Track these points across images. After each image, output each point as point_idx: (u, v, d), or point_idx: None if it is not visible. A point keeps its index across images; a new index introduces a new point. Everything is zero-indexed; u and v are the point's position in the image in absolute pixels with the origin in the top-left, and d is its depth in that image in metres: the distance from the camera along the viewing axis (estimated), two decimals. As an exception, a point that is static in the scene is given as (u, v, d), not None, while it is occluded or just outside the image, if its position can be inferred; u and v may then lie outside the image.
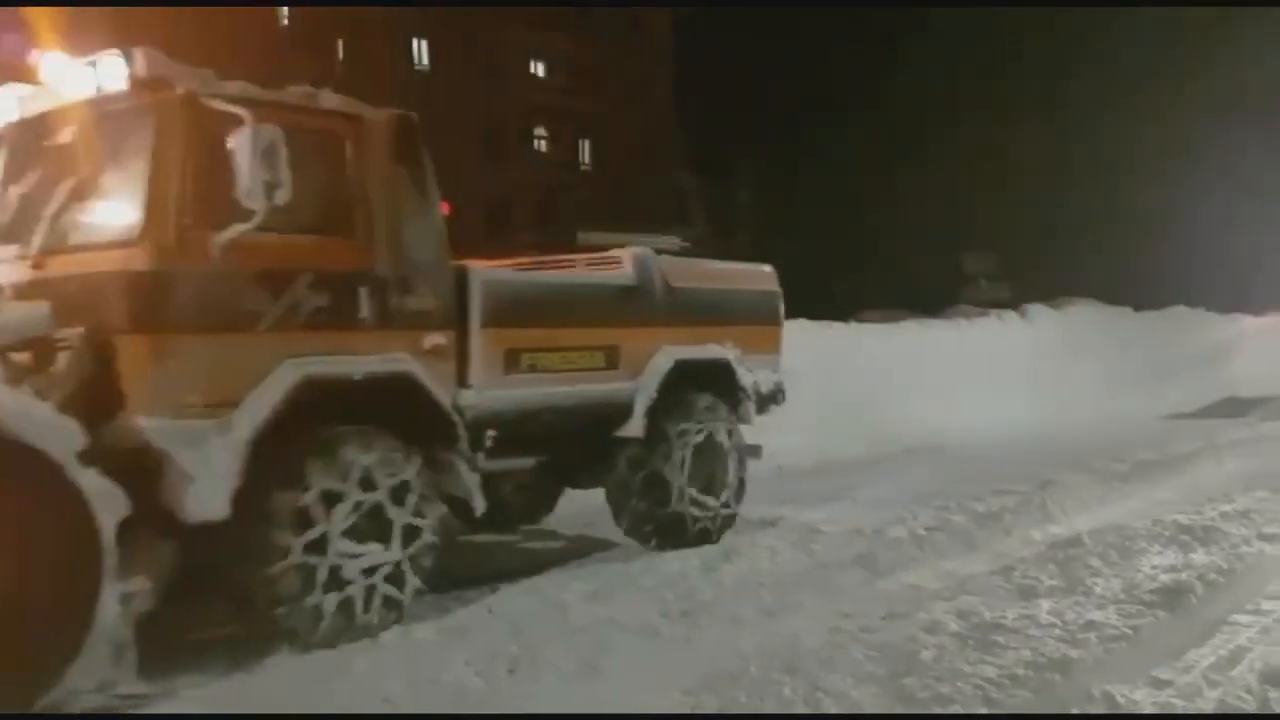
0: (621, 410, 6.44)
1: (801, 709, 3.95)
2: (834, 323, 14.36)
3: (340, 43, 35.75)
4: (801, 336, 13.54)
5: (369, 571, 4.95)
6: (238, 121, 4.55)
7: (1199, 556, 6.12)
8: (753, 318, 7.53)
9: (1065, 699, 4.02)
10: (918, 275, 31.96)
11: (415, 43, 37.69)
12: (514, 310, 5.89)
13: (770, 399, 7.59)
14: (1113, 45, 34.88)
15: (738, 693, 4.08)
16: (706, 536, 6.77)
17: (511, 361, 5.85)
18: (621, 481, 6.60)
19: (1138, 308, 20.13)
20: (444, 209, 5.65)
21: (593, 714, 4.05)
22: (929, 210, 37.48)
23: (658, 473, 6.56)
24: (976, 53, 37.28)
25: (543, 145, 43.09)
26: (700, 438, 6.81)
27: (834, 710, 3.95)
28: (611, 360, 6.42)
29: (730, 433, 7.08)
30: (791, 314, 14.07)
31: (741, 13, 44.25)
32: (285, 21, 34.27)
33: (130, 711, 4.12)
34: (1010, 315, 17.66)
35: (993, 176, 36.35)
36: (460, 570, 6.45)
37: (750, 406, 7.29)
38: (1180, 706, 3.85)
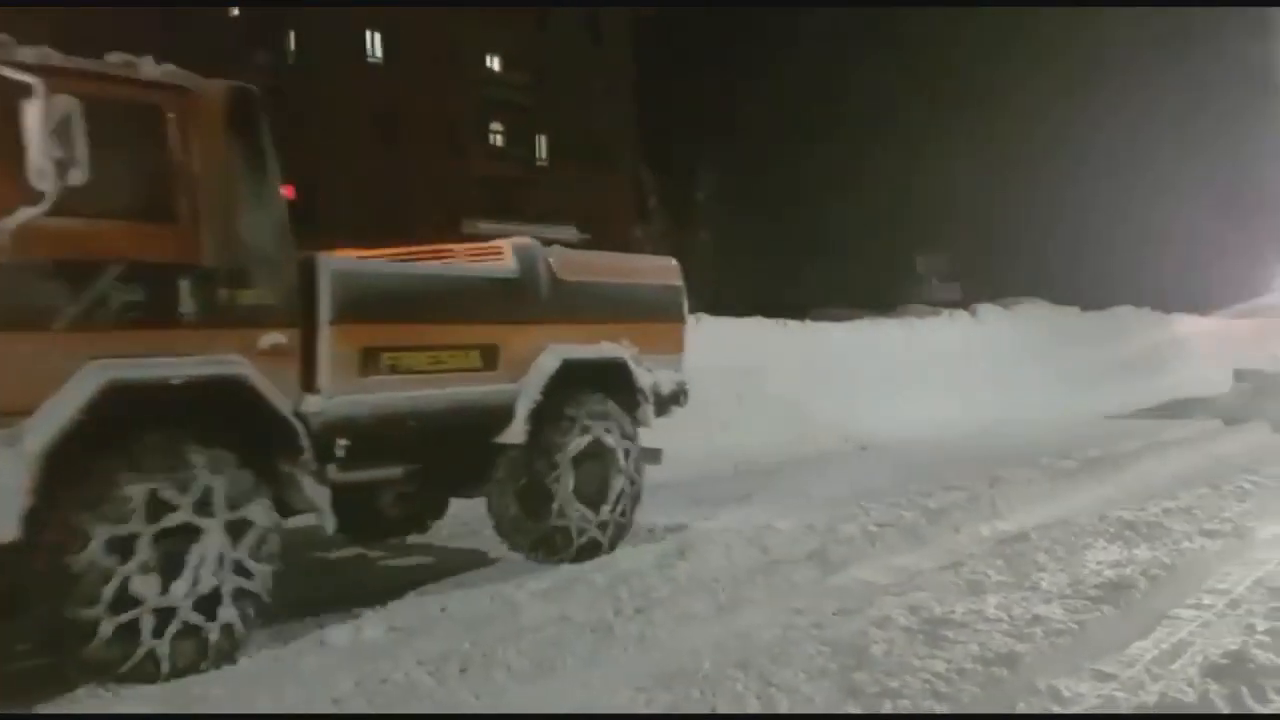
0: (502, 414, 5.93)
1: (754, 704, 3.97)
2: (790, 321, 14.46)
3: (292, 35, 35.30)
4: (759, 334, 13.71)
5: (204, 594, 4.50)
6: (30, 91, 4.06)
7: (1143, 552, 6.24)
8: (653, 314, 7.02)
9: (1012, 693, 4.07)
10: (873, 275, 32.32)
11: (369, 35, 37.32)
12: (372, 304, 5.29)
13: (672, 400, 7.10)
14: (1062, 50, 35.45)
15: (691, 689, 4.08)
16: (594, 549, 6.34)
17: (368, 362, 5.26)
18: (502, 490, 6.15)
19: (1085, 308, 20.50)
20: (287, 193, 5.19)
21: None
22: (884, 212, 37.89)
23: (540, 481, 6.11)
24: (932, 58, 37.73)
25: (499, 140, 42.87)
26: (588, 443, 6.34)
27: (785, 706, 3.96)
28: (490, 360, 5.88)
29: (624, 437, 6.61)
30: (749, 311, 14.26)
31: (702, 15, 44.37)
32: (235, 12, 33.77)
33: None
34: (961, 314, 17.91)
35: (946, 179, 36.82)
36: (411, 571, 6.42)
37: (648, 409, 6.82)
38: (1123, 700, 3.92)
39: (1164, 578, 5.67)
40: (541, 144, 43.93)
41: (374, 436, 5.34)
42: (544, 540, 6.25)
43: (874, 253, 36.03)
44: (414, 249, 6.81)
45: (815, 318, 15.57)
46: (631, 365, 6.68)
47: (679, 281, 7.35)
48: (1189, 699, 3.65)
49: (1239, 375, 13.47)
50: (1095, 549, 6.36)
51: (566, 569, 6.01)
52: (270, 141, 4.99)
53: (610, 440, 6.52)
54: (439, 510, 7.14)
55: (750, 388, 12.24)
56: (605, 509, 6.48)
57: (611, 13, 43.78)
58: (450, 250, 6.69)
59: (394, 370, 5.40)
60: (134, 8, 26.02)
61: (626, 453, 6.63)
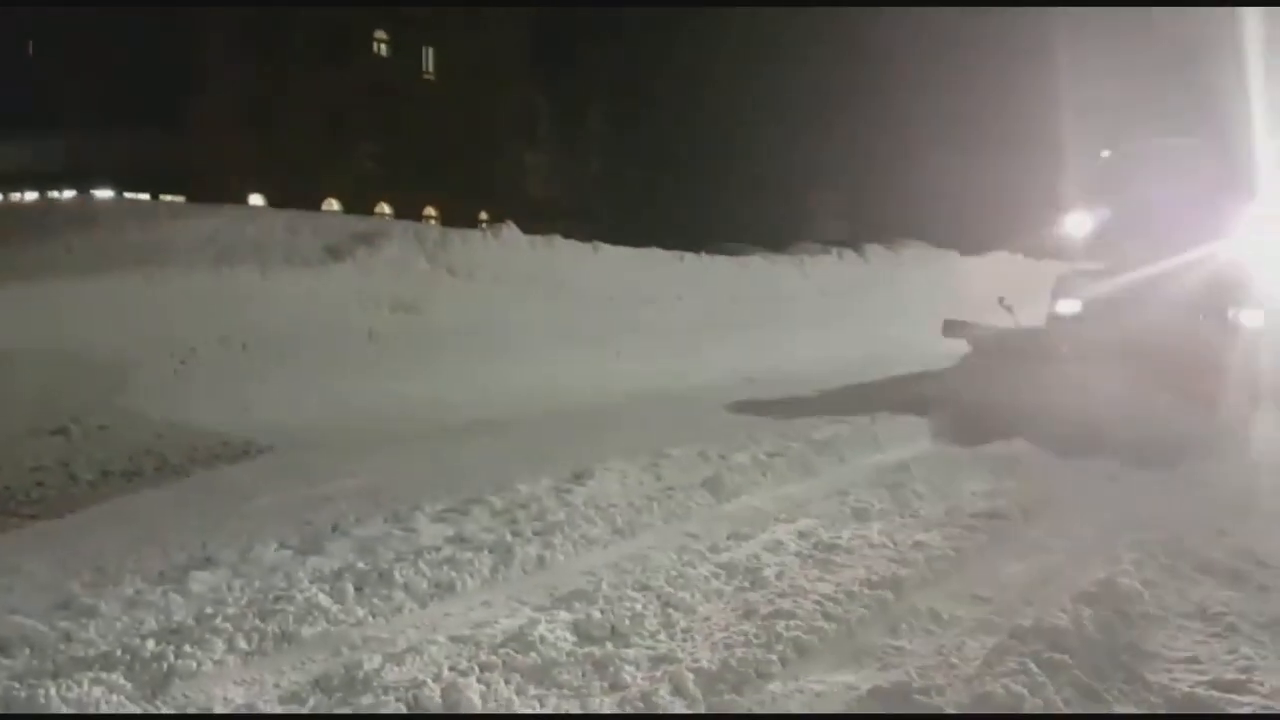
0: None
1: (653, 623, 4.05)
2: (686, 253, 14.51)
3: (163, -78, 32.94)
4: (654, 265, 13.75)
5: None
6: None
7: (1013, 483, 6.57)
8: None
9: (895, 615, 4.27)
10: (766, 212, 32.63)
11: (247, -71, 35.16)
12: None
13: None
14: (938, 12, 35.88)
15: (591, 609, 4.14)
16: None
17: None
18: None
19: (963, 252, 21.19)
20: None
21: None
22: (778, 151, 38.13)
23: None
24: (817, 10, 37.79)
25: (383, 49, 41.26)
26: None
27: (683, 625, 4.06)
28: None
29: None
30: (644, 242, 14.23)
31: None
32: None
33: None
34: (849, 253, 18.30)
35: (838, 123, 37.24)
36: (296, 488, 6.26)
37: None
38: (999, 623, 4.15)
39: (1034, 509, 6.00)
40: (429, 56, 42.50)
41: None
42: None
43: (768, 191, 36.31)
44: None
45: (710, 252, 15.67)
46: None
47: None
48: (1063, 623, 3.88)
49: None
50: (970, 479, 6.67)
51: (464, 492, 5.96)
52: None
53: None
54: None
55: (644, 319, 12.30)
56: None
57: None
58: None
59: None
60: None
61: None
